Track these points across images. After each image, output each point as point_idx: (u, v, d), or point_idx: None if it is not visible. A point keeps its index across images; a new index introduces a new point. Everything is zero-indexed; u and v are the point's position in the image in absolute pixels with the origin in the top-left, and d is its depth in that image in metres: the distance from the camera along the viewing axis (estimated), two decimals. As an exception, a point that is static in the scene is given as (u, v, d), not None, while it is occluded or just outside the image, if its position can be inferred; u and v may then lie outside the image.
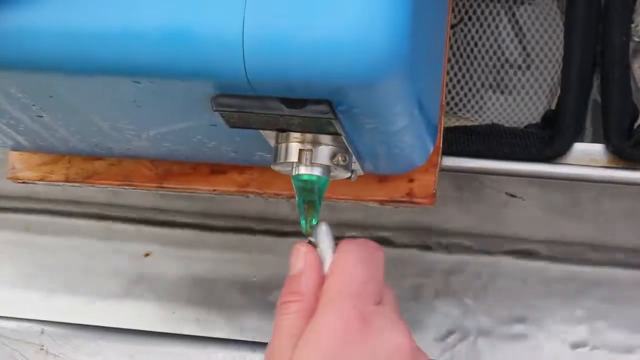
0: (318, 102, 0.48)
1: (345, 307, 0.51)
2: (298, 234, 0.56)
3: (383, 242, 0.86)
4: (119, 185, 0.73)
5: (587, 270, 0.84)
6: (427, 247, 0.86)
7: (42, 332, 0.79)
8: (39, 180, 0.74)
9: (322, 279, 0.53)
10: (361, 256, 0.53)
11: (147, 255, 0.91)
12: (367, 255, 0.54)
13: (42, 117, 0.59)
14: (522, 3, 0.83)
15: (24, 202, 0.96)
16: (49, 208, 0.95)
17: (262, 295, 0.86)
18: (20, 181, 0.75)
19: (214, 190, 0.71)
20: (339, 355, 0.49)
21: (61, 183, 0.74)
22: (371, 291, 0.52)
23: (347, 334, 0.49)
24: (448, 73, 0.82)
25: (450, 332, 0.84)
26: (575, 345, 0.83)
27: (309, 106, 0.48)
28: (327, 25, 0.45)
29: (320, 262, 0.54)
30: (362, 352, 0.49)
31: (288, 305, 0.53)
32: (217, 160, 0.68)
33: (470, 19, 0.84)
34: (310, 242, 0.55)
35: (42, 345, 0.78)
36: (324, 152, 0.54)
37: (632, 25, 0.77)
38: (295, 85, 0.47)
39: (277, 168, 0.56)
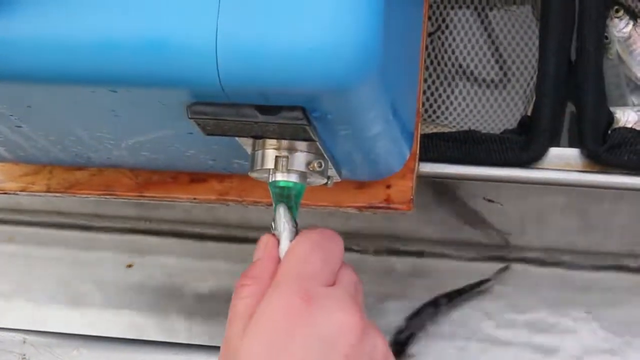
0: (292, 108, 0.49)
1: (291, 288, 0.51)
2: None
3: (360, 251, 0.87)
4: (100, 195, 0.73)
5: (565, 273, 0.84)
6: (404, 254, 0.86)
7: (24, 342, 0.79)
8: (20, 191, 0.75)
9: (278, 264, 0.54)
10: (316, 241, 0.54)
11: (129, 266, 0.91)
12: (322, 241, 0.54)
13: (21, 127, 0.59)
14: (498, 9, 0.84)
15: (8, 213, 0.96)
16: (32, 219, 0.95)
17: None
18: (2, 192, 0.75)
19: (194, 198, 0.72)
20: (284, 334, 0.49)
21: (42, 193, 0.74)
22: (321, 273, 0.53)
23: (292, 313, 0.50)
24: (426, 80, 0.83)
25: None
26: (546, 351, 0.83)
27: (283, 113, 0.49)
28: (299, 33, 0.45)
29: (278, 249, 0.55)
30: (306, 331, 0.49)
31: (242, 289, 0.53)
32: (196, 169, 0.69)
33: (447, 26, 0.85)
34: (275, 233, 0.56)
35: (24, 355, 0.79)
36: (300, 158, 0.55)
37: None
38: (268, 93, 0.48)
39: (254, 175, 0.57)
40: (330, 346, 0.49)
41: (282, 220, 0.56)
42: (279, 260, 0.54)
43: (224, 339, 0.52)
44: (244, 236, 0.88)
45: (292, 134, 0.52)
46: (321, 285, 0.52)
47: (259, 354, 0.49)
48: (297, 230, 0.56)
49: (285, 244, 0.55)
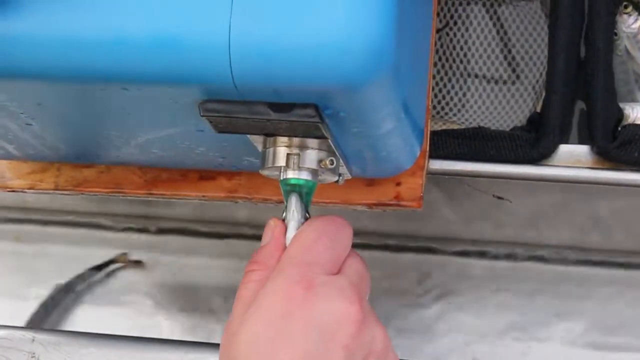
0: (305, 106, 0.49)
1: (292, 275, 0.51)
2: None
3: (370, 247, 0.87)
4: (108, 192, 0.73)
5: (575, 270, 0.84)
6: (414, 250, 0.86)
7: (33, 340, 0.79)
8: (28, 189, 0.74)
9: (284, 251, 0.54)
10: (322, 229, 0.54)
11: (137, 262, 0.91)
12: (329, 228, 0.54)
13: (31, 125, 0.59)
14: (507, 5, 0.83)
15: (14, 212, 0.96)
16: (38, 218, 0.95)
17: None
18: (10, 190, 0.75)
19: (203, 196, 0.72)
20: (283, 320, 0.49)
21: (51, 191, 0.74)
22: (325, 262, 0.53)
23: (291, 300, 0.50)
24: (434, 77, 0.83)
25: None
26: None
27: (295, 110, 0.49)
28: (312, 31, 0.45)
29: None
30: (306, 319, 0.49)
31: (249, 274, 0.54)
32: (206, 166, 0.68)
33: (455, 23, 0.84)
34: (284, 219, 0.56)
35: (33, 353, 0.78)
36: (311, 156, 0.55)
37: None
38: (281, 90, 0.48)
39: (265, 173, 0.56)
40: (329, 336, 0.49)
41: (293, 209, 0.56)
42: (285, 247, 0.54)
43: (227, 322, 0.52)
44: (255, 234, 0.88)
45: (304, 131, 0.52)
46: (324, 273, 0.52)
47: (257, 338, 0.49)
48: (306, 220, 0.56)
49: (292, 232, 0.55)
